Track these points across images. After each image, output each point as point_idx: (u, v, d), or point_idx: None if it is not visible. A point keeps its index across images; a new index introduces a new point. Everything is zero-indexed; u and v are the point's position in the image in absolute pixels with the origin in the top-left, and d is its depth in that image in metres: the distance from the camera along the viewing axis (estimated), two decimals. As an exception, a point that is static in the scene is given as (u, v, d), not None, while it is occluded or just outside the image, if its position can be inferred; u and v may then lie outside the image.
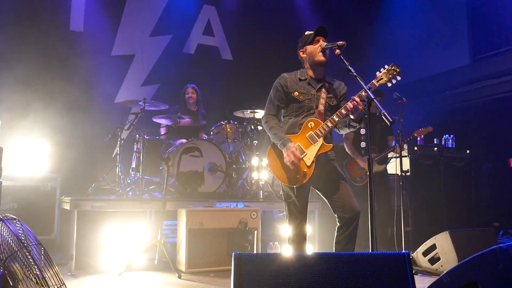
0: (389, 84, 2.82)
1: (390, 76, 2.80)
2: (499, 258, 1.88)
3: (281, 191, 3.02)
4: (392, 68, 2.81)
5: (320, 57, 2.97)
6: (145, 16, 7.19)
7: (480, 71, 7.50)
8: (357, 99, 2.75)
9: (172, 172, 4.56)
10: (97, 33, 6.68)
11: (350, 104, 2.79)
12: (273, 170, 2.93)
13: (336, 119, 2.85)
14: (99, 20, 6.71)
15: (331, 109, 3.04)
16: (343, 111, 2.83)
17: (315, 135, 2.87)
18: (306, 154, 2.85)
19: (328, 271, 1.60)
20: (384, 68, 2.83)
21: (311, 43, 3.01)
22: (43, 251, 1.50)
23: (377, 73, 2.85)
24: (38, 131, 5.93)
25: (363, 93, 2.74)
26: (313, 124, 2.90)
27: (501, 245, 1.93)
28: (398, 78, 2.82)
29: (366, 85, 2.65)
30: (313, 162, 2.84)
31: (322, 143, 2.87)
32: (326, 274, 1.63)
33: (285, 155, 2.82)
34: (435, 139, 6.45)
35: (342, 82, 3.17)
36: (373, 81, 2.81)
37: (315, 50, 2.98)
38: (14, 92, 5.95)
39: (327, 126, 2.86)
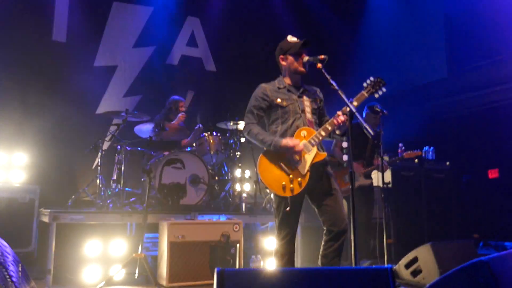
0: (376, 95, 2.88)
1: (377, 87, 2.86)
2: (479, 271, 1.90)
3: (272, 201, 2.99)
4: (378, 79, 2.87)
5: (301, 67, 3.01)
6: (129, 27, 7.16)
7: (457, 84, 7.66)
8: (342, 117, 2.79)
9: (154, 184, 4.51)
10: (80, 43, 6.62)
11: (336, 120, 2.82)
12: (265, 179, 2.84)
13: (329, 128, 2.86)
14: (82, 31, 6.66)
15: (315, 112, 3.07)
16: (335, 123, 2.85)
17: (309, 144, 2.85)
18: (301, 163, 2.83)
19: (312, 287, 1.60)
20: (370, 80, 2.88)
21: (296, 54, 3.02)
22: (21, 267, 1.46)
23: (364, 84, 2.90)
24: (16, 142, 5.81)
25: (347, 108, 2.77)
26: (306, 133, 2.89)
27: (482, 258, 1.95)
28: (384, 89, 2.89)
29: (348, 98, 2.68)
30: (308, 171, 2.82)
31: (317, 152, 2.86)
32: (309, 289, 1.63)
33: (289, 145, 2.79)
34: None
35: (317, 87, 3.21)
36: (363, 91, 2.85)
37: (298, 61, 3.01)
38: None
39: (321, 135, 2.86)
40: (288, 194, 2.79)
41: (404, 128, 7.41)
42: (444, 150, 6.99)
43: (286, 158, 2.85)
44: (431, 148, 6.80)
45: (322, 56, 2.82)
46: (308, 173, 2.82)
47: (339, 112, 2.84)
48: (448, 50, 7.91)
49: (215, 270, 1.61)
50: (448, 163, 6.69)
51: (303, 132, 2.89)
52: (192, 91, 5.64)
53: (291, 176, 2.81)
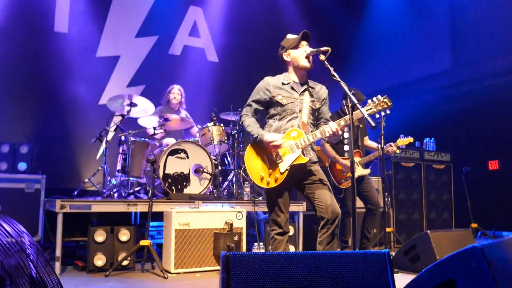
0: (377, 116, 2.89)
1: (380, 108, 2.88)
2: (474, 256, 1.98)
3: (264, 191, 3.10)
4: (384, 100, 2.88)
5: (305, 63, 3.04)
6: (131, 17, 7.19)
7: (460, 76, 7.69)
8: (334, 130, 2.85)
9: (158, 174, 4.59)
10: (82, 34, 6.67)
11: (328, 131, 2.87)
12: (248, 168, 3.02)
13: (318, 136, 2.93)
14: (84, 21, 6.70)
15: (313, 112, 3.12)
16: (326, 133, 2.90)
17: (295, 145, 2.93)
18: (282, 161, 2.92)
19: (313, 270, 1.68)
20: (377, 98, 2.89)
21: (296, 47, 3.08)
22: (38, 251, 1.54)
23: (369, 101, 2.91)
24: (21, 132, 5.91)
25: (342, 122, 2.85)
26: (296, 134, 2.96)
27: (476, 244, 2.03)
28: (388, 111, 2.90)
29: (350, 90, 2.74)
30: (286, 170, 2.92)
31: (299, 155, 2.93)
32: (310, 272, 1.70)
33: (268, 140, 2.89)
34: (416, 142, 6.62)
35: (323, 85, 3.24)
36: (363, 108, 2.83)
37: (300, 55, 3.05)
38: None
39: (308, 140, 2.93)
40: (263, 185, 2.97)
41: (406, 119, 7.47)
42: (445, 141, 7.06)
43: (271, 153, 2.97)
44: (432, 139, 6.87)
45: (325, 49, 2.86)
46: (286, 172, 2.92)
47: (332, 124, 2.88)
48: (452, 42, 7.93)
49: (221, 254, 1.69)
50: (448, 154, 6.77)
51: (293, 133, 2.98)
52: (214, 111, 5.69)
53: (270, 170, 2.95)
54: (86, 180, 5.10)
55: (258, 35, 7.82)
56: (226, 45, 7.85)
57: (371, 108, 2.88)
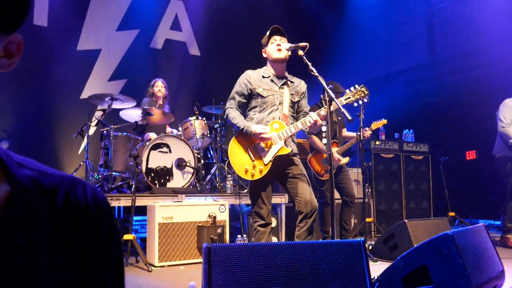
0: (355, 104, 3.00)
1: (358, 96, 2.99)
2: (445, 243, 2.08)
3: (248, 183, 3.17)
4: (361, 89, 2.99)
5: (277, 54, 3.11)
6: (112, 9, 7.13)
7: (437, 69, 7.87)
8: (314, 119, 2.92)
9: (141, 168, 4.61)
10: (62, 27, 6.59)
11: (308, 121, 2.94)
12: (232, 161, 3.07)
13: (300, 127, 3.01)
14: (64, 14, 6.62)
15: (293, 105, 3.20)
16: (307, 123, 2.98)
17: (277, 137, 3.01)
18: (265, 153, 2.99)
19: (292, 259, 1.74)
20: (354, 88, 2.99)
21: (267, 44, 3.17)
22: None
23: (347, 90, 3.02)
24: (3, 128, 5.84)
25: (322, 112, 2.93)
26: (278, 125, 3.05)
27: (447, 232, 2.14)
28: (365, 100, 3.00)
29: (328, 85, 2.80)
30: (270, 161, 2.99)
31: (282, 146, 3.01)
32: (290, 261, 1.77)
33: (256, 131, 2.95)
34: (395, 134, 6.76)
35: (302, 80, 3.32)
36: (341, 98, 2.95)
37: (272, 49, 3.13)
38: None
39: (290, 131, 3.01)
40: (248, 177, 3.03)
41: (385, 111, 7.59)
42: (423, 132, 7.22)
43: (254, 146, 3.04)
44: (411, 130, 7.01)
45: (303, 44, 2.92)
46: (270, 163, 3.00)
47: (312, 114, 2.97)
48: (429, 36, 8.09)
49: (203, 246, 1.75)
50: (427, 145, 6.93)
51: (276, 125, 3.06)
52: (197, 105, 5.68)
53: (254, 162, 3.01)
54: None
55: (239, 29, 7.84)
56: (208, 38, 7.85)
57: (349, 97, 3.01)
